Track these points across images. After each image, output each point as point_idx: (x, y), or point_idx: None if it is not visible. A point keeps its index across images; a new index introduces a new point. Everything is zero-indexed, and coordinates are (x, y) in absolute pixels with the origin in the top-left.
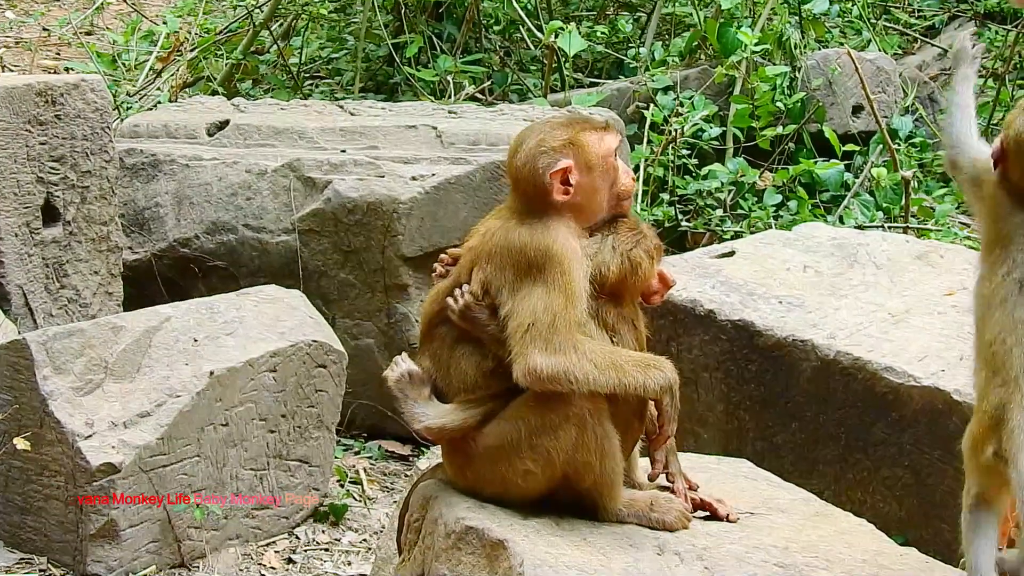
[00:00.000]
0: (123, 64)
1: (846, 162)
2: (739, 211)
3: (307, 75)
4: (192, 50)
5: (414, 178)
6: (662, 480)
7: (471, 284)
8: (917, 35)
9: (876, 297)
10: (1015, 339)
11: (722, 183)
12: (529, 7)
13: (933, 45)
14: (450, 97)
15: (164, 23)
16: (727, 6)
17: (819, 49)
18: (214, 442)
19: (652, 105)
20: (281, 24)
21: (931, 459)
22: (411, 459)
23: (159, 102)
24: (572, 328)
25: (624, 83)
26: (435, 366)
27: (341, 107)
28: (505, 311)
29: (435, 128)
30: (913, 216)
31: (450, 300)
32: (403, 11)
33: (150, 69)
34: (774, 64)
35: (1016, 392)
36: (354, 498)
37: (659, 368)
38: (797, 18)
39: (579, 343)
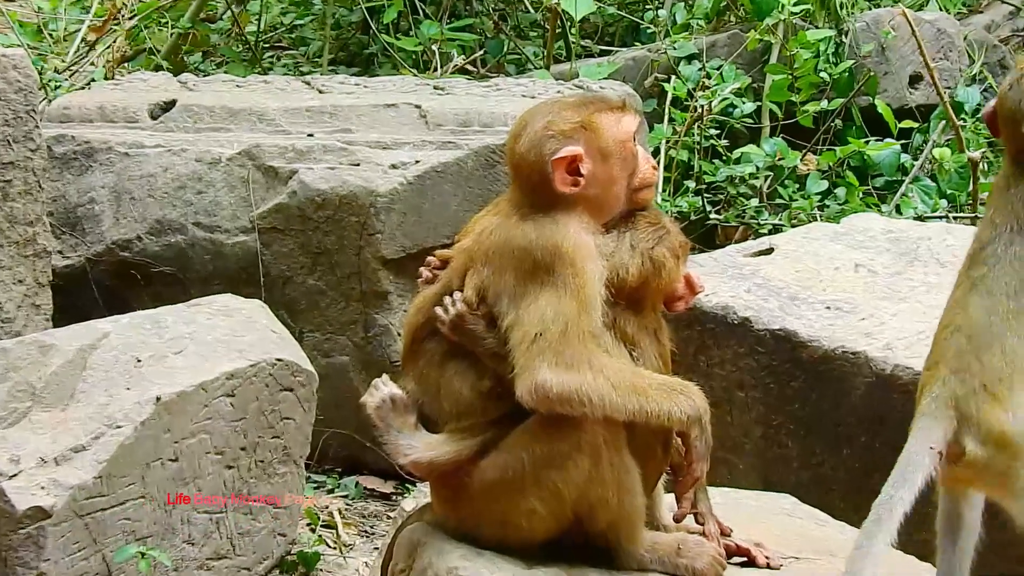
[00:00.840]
0: (50, 35)
1: (903, 142)
2: (778, 200)
3: (267, 46)
4: (131, 17)
5: (394, 166)
6: (690, 522)
7: (464, 290)
8: None
9: (940, 300)
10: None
11: (757, 168)
12: None
13: (1004, 2)
14: (436, 70)
15: None
16: None
17: (870, 8)
18: (162, 481)
19: (674, 77)
20: None
21: None
22: (394, 498)
23: (93, 79)
24: (587, 340)
25: (641, 51)
26: (422, 388)
27: (307, 83)
28: (507, 321)
29: (418, 107)
30: (982, 204)
31: (439, 310)
32: None
33: (82, 40)
34: (817, 27)
35: (931, 377)
36: (328, 544)
37: (687, 395)
38: None
39: (595, 358)
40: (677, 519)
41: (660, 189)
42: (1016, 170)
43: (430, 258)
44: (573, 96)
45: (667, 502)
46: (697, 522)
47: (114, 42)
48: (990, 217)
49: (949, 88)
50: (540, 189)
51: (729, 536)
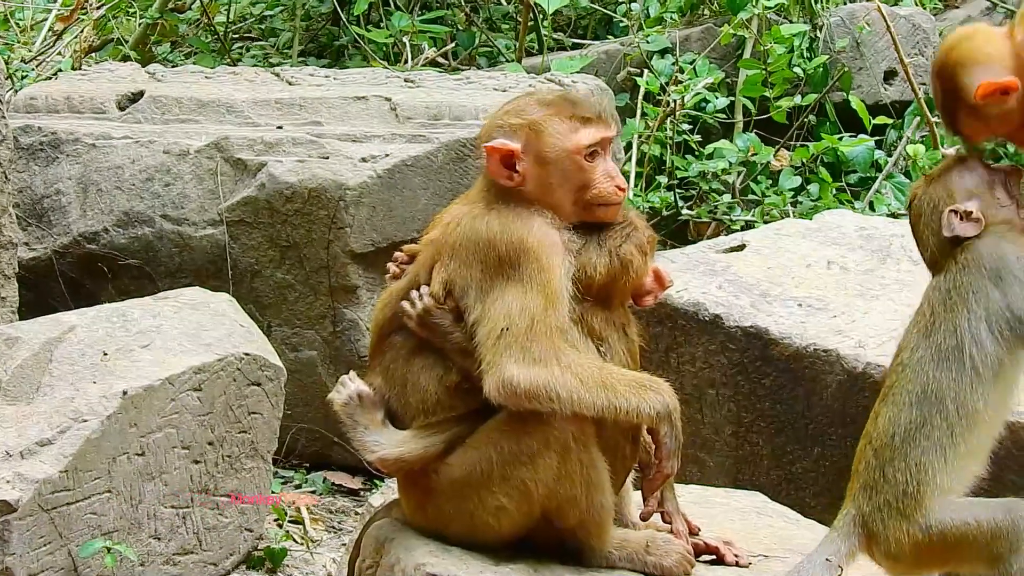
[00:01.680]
0: (16, 24)
1: (877, 138)
2: (750, 196)
3: (236, 36)
4: (99, 7)
5: (364, 159)
6: (658, 520)
7: (431, 284)
8: None
9: (912, 298)
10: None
11: (730, 163)
12: None
13: None
14: (406, 62)
15: None
16: None
17: (844, 3)
18: (128, 475)
19: (647, 71)
20: None
21: (977, 491)
22: (362, 494)
23: (60, 70)
24: (554, 335)
25: (613, 44)
26: (388, 383)
27: (277, 75)
28: (474, 316)
29: (389, 99)
30: None
31: (406, 304)
32: None
33: (49, 30)
34: (791, 21)
35: (849, 491)
36: (295, 540)
37: (656, 391)
38: None
39: (562, 353)
40: (643, 517)
41: (631, 182)
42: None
43: (398, 253)
44: (551, 95)
45: (636, 500)
46: (664, 521)
47: (81, 32)
48: (911, 322)
49: (924, 84)
50: (488, 177)
51: (697, 535)
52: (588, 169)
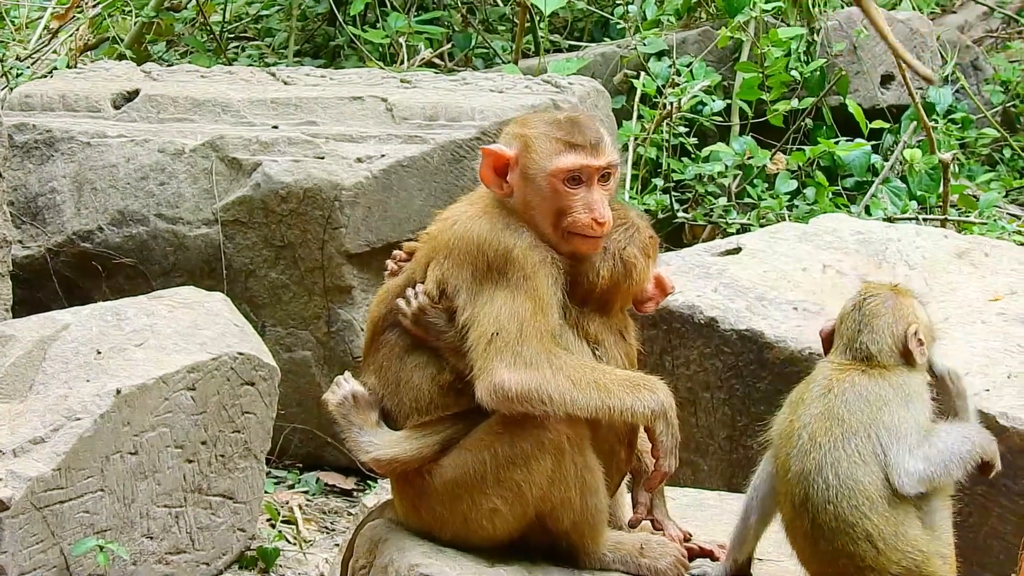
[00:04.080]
0: (11, 22)
1: (873, 142)
2: (746, 200)
3: (232, 36)
4: (95, 5)
5: (359, 159)
6: (648, 526)
7: (426, 282)
8: None
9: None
10: None
11: (726, 166)
12: None
13: (977, 2)
14: (402, 63)
15: None
16: None
17: (842, 7)
18: (121, 474)
19: (643, 73)
20: None
21: (972, 495)
22: (355, 494)
23: (55, 68)
24: (544, 338)
25: (610, 47)
26: (381, 382)
27: (273, 74)
28: (464, 318)
29: (385, 100)
30: (953, 206)
31: (401, 302)
32: None
33: (45, 28)
34: (788, 25)
35: None
36: (287, 540)
37: (651, 389)
38: None
39: (554, 356)
40: (632, 524)
41: (627, 185)
42: None
43: (396, 251)
44: (562, 115)
45: (630, 503)
46: (655, 528)
47: (77, 30)
48: (810, 435)
49: (921, 88)
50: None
51: (689, 540)
52: (564, 195)
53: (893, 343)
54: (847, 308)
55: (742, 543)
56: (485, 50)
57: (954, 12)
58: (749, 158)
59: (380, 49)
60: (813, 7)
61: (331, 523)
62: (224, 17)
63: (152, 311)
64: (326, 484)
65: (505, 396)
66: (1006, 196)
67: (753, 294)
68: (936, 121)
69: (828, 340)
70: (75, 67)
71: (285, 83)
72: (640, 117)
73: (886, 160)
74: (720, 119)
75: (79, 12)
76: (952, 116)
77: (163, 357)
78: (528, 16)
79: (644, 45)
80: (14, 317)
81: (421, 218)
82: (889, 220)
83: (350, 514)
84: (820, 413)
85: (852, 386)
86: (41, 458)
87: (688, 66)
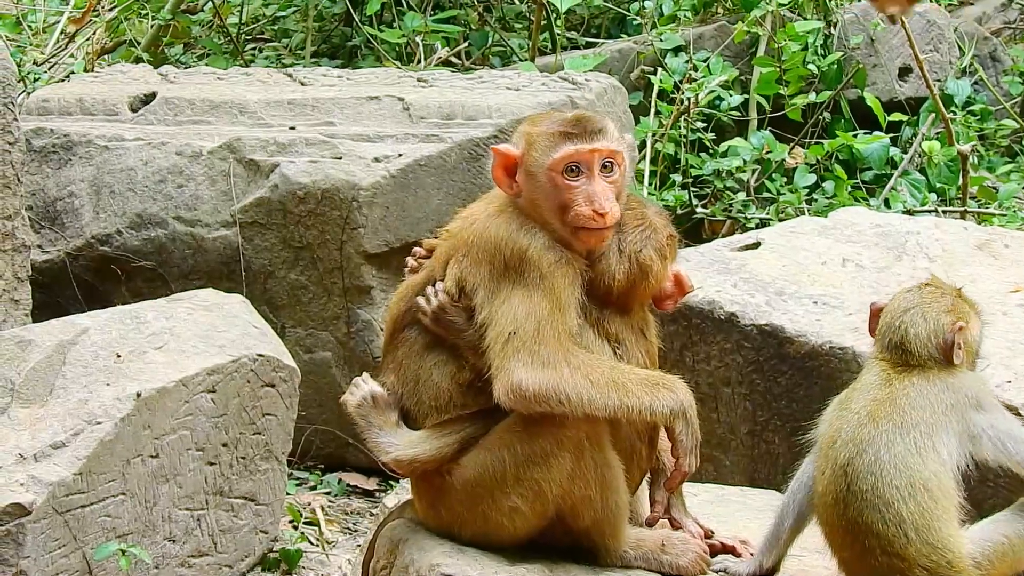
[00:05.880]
0: (29, 27)
1: (892, 135)
2: (765, 194)
3: (249, 38)
4: (111, 9)
5: (377, 159)
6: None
7: (446, 280)
8: None
9: None
10: None
11: (744, 161)
12: None
13: None
14: (419, 62)
15: None
16: None
17: (858, 0)
18: (142, 477)
19: (660, 69)
20: None
21: (995, 488)
22: (377, 495)
23: (72, 72)
24: (562, 337)
25: (627, 43)
26: (400, 380)
27: (290, 75)
28: (482, 316)
29: (402, 99)
30: (972, 198)
31: (421, 300)
32: None
33: (61, 32)
34: (805, 19)
35: None
36: (310, 542)
37: (670, 389)
38: None
39: (572, 355)
40: (649, 523)
41: (644, 182)
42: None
43: (416, 248)
44: (571, 113)
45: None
46: (673, 527)
47: (94, 34)
48: (869, 412)
49: (939, 80)
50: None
51: (711, 537)
52: (565, 188)
53: (937, 338)
54: (904, 292)
55: (773, 547)
56: (502, 48)
57: (972, 3)
58: (767, 153)
59: (397, 49)
60: (829, 0)
61: (354, 524)
62: (241, 19)
63: (171, 314)
64: (348, 485)
65: (523, 396)
66: None
67: (773, 289)
68: (955, 113)
69: (876, 316)
70: (92, 71)
71: (302, 84)
72: (658, 113)
73: (905, 153)
74: (738, 114)
75: (96, 16)
76: (971, 108)
77: (183, 360)
78: (544, 13)
79: (661, 41)
80: (34, 322)
81: (439, 217)
82: (908, 213)
83: (372, 515)
84: (882, 399)
85: (912, 385)
86: (62, 463)
87: (705, 61)
